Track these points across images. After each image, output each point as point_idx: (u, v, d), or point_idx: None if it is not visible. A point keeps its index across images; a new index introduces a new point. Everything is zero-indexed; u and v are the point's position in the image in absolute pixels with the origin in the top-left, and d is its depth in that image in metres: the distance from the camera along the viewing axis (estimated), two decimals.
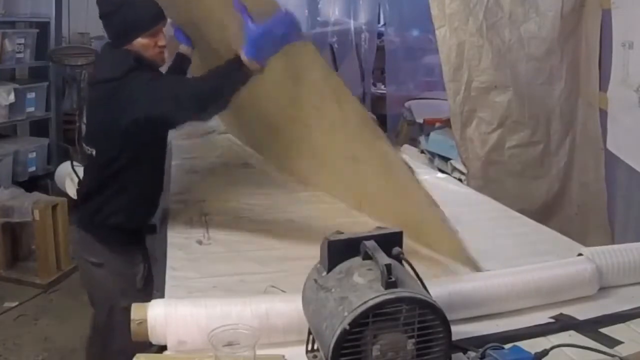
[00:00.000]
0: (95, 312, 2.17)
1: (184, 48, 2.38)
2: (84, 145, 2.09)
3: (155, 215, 2.22)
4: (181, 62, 2.39)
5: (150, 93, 1.86)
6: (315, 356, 1.20)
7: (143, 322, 1.27)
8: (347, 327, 1.01)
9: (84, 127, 2.10)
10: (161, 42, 2.00)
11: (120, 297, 1.99)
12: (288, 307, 1.29)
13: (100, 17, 2.01)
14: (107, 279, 2.06)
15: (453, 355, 1.13)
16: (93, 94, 2.05)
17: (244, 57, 1.70)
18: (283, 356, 1.23)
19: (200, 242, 1.93)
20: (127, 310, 2.00)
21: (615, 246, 1.62)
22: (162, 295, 1.51)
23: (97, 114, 2.01)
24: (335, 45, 6.85)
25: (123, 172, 1.98)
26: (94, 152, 2.03)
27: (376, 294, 1.03)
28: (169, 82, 1.98)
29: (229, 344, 1.12)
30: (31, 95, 4.46)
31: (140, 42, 1.95)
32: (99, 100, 1.99)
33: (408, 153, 4.10)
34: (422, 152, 4.43)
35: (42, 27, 4.56)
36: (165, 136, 2.16)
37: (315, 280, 1.17)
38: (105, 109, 1.94)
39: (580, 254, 1.57)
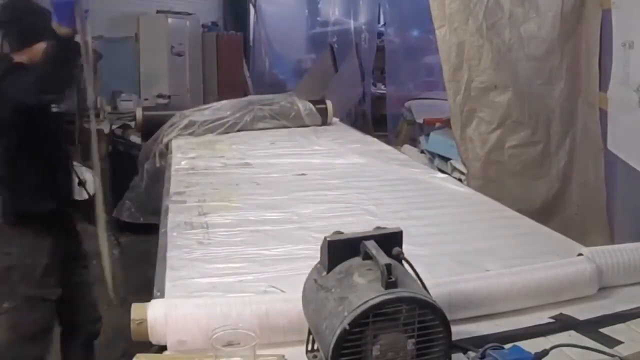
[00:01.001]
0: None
1: (64, 30, 2.06)
2: None
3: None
4: (68, 49, 2.13)
5: (14, 86, 2.12)
6: (315, 356, 1.20)
7: (143, 322, 1.27)
8: (347, 327, 1.01)
9: None
10: None
11: (21, 285, 2.22)
12: (288, 307, 1.29)
13: (5, 20, 2.27)
14: (10, 266, 2.24)
15: (453, 355, 1.13)
16: None
17: (55, 26, 2.01)
18: (283, 356, 1.23)
19: (200, 242, 1.93)
20: (26, 299, 2.18)
21: (615, 246, 1.62)
22: (162, 295, 1.51)
23: None
24: (335, 45, 6.87)
25: (17, 161, 2.21)
26: None
27: (376, 294, 1.03)
28: (25, 74, 2.17)
29: (229, 344, 1.12)
30: None
31: (41, 45, 2.16)
32: None
33: (408, 153, 4.11)
34: (422, 152, 4.44)
35: None
36: (44, 125, 2.26)
37: (315, 280, 1.17)
38: None
39: (580, 254, 1.57)
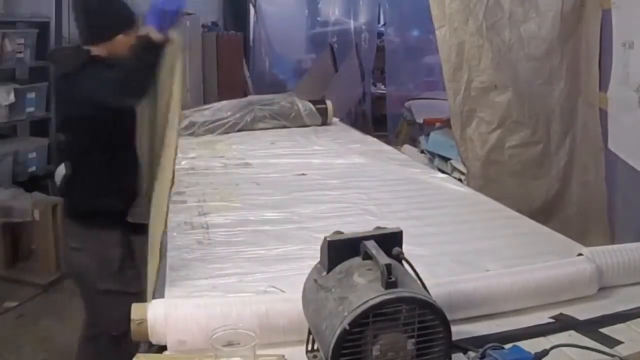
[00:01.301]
0: (81, 296, 2.34)
1: (159, 36, 2.08)
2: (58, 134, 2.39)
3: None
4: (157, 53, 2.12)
5: (94, 82, 2.05)
6: (315, 356, 1.20)
7: (143, 322, 1.27)
8: (347, 327, 1.01)
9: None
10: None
11: (97, 279, 2.14)
12: (288, 307, 1.29)
13: (85, 12, 2.17)
14: (84, 262, 2.21)
15: (453, 355, 1.13)
16: (58, 87, 2.29)
17: (147, 29, 1.91)
18: (283, 356, 1.23)
19: (200, 242, 1.93)
20: (106, 292, 2.15)
21: (615, 246, 1.62)
22: (162, 295, 1.51)
23: (62, 104, 2.26)
24: (335, 45, 6.86)
25: (90, 157, 2.17)
26: (65, 139, 2.27)
27: (376, 294, 1.03)
28: (106, 72, 2.08)
29: (229, 344, 1.12)
30: (31, 95, 4.45)
31: (121, 39, 2.11)
32: (62, 92, 2.23)
33: (408, 153, 4.10)
34: (422, 152, 4.44)
35: (42, 27, 4.55)
36: (120, 122, 2.21)
37: (315, 280, 1.17)
38: (67, 99, 2.17)
39: (580, 254, 1.57)
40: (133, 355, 1.24)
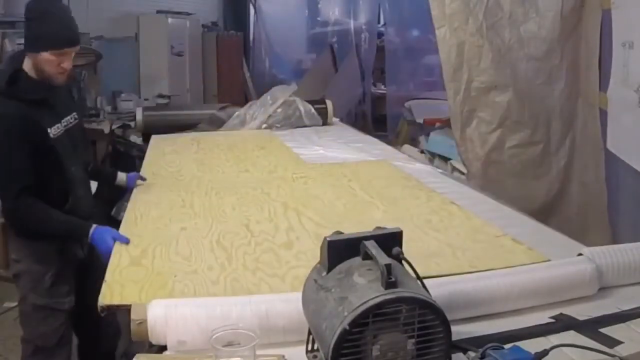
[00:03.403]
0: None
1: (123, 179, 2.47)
2: None
3: None
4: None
5: None
6: (315, 356, 1.20)
7: (143, 322, 1.27)
8: (347, 327, 1.01)
9: None
10: (65, 65, 2.03)
11: (29, 293, 2.11)
12: (288, 307, 1.29)
13: (26, 18, 2.03)
14: (21, 273, 2.14)
15: (453, 355, 1.13)
16: None
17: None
18: (283, 356, 1.23)
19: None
20: (36, 307, 2.09)
21: (615, 246, 1.62)
22: None
23: None
24: (335, 45, 6.87)
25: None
26: None
27: (376, 294, 1.03)
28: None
29: (229, 344, 1.12)
30: None
31: (45, 56, 1.97)
32: None
33: (408, 153, 4.10)
34: (422, 152, 4.44)
35: None
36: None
37: (315, 280, 1.17)
38: None
39: (580, 254, 1.57)
40: None
